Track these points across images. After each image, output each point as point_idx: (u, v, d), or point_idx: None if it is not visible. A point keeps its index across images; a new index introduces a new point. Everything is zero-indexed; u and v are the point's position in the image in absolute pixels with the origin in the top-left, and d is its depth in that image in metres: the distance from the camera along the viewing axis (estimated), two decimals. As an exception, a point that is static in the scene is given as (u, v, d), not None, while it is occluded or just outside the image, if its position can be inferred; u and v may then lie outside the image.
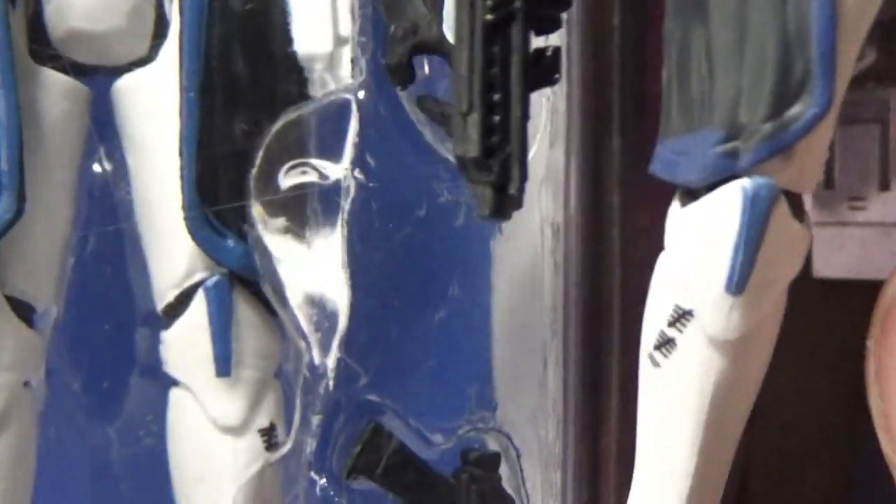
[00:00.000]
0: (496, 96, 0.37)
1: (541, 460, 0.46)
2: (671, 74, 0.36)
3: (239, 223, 0.42)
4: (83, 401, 0.47)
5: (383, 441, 0.42)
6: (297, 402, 0.43)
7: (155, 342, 0.44)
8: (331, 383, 0.42)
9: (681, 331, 0.35)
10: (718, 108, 0.34)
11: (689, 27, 0.35)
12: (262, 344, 0.43)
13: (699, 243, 0.35)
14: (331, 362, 0.42)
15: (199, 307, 0.42)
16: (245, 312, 0.42)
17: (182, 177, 0.41)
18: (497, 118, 0.37)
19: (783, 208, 0.34)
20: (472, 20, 0.37)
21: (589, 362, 0.47)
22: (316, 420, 0.43)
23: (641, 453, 0.37)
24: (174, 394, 0.43)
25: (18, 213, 0.40)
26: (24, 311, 0.42)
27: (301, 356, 0.42)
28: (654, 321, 0.36)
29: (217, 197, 0.41)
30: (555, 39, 0.39)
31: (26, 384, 0.42)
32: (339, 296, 0.42)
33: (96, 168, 0.44)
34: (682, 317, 0.35)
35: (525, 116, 0.37)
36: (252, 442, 0.43)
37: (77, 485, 0.47)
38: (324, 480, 0.43)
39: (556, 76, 0.39)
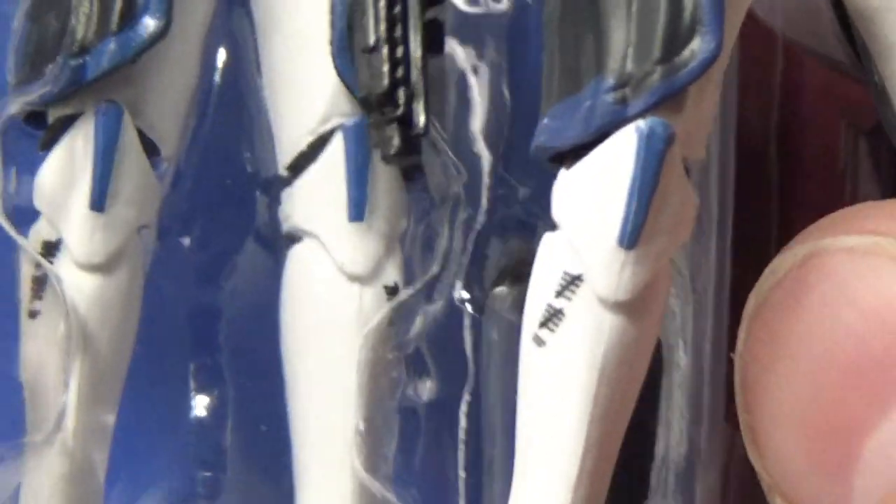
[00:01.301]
0: (398, 32, 0.39)
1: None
2: (553, 49, 0.36)
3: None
4: (193, 261, 0.47)
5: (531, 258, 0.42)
6: (446, 224, 0.43)
7: (273, 209, 0.44)
8: (485, 202, 0.43)
9: (569, 299, 0.34)
10: (607, 57, 0.34)
11: None
12: (394, 199, 0.43)
13: (589, 199, 0.34)
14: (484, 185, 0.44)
15: (335, 150, 0.42)
16: (381, 164, 0.42)
17: (332, 9, 0.41)
18: (399, 54, 0.39)
19: (677, 154, 0.34)
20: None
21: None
22: (467, 240, 0.43)
23: (521, 446, 0.36)
24: (295, 250, 0.43)
25: (166, 27, 0.40)
26: (148, 150, 0.42)
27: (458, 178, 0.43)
28: (538, 299, 0.35)
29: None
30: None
31: (139, 230, 0.42)
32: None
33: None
34: (570, 283, 0.34)
35: (426, 55, 0.39)
36: (378, 292, 0.43)
37: (179, 348, 0.48)
38: (467, 295, 0.44)
39: (443, 45, 0.41)
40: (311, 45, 0.42)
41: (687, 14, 0.34)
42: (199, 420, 0.48)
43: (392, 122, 0.38)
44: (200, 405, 0.47)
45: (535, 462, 0.36)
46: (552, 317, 0.35)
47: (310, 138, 0.43)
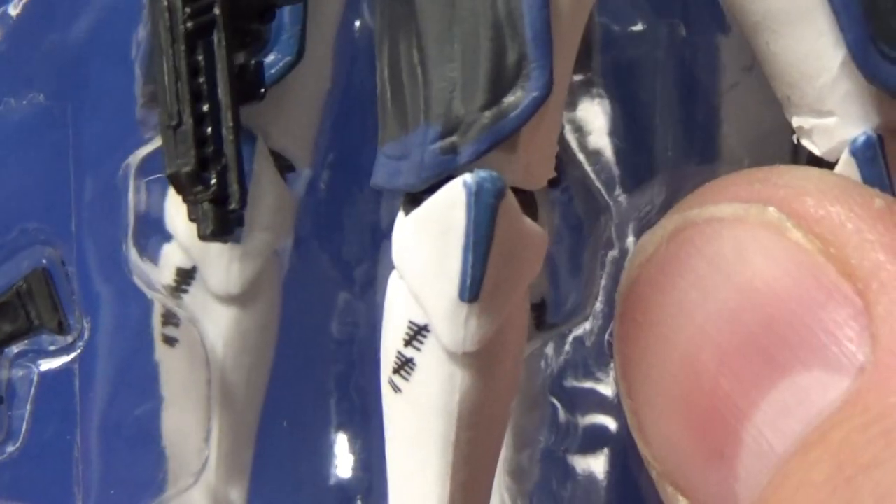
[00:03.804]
0: (205, 107, 0.35)
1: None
2: (384, 78, 0.34)
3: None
4: (331, 272, 0.46)
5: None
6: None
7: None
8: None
9: (418, 349, 0.33)
10: (433, 103, 0.32)
11: (398, 24, 0.33)
12: None
13: (426, 250, 0.33)
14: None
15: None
16: None
17: None
18: (208, 130, 0.35)
19: (512, 203, 0.32)
20: (172, 28, 0.35)
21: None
22: None
23: (392, 492, 0.35)
24: None
25: (299, 56, 0.39)
26: (282, 169, 0.41)
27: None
28: (390, 343, 0.34)
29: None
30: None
31: (275, 253, 0.42)
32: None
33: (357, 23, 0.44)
34: (417, 333, 0.33)
35: (237, 127, 0.36)
36: None
37: (320, 360, 0.46)
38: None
39: (262, 90, 0.37)
40: None
41: (512, 53, 0.31)
42: (343, 454, 0.46)
43: (204, 201, 0.35)
44: (343, 439, 0.46)
45: None
46: (404, 365, 0.34)
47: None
